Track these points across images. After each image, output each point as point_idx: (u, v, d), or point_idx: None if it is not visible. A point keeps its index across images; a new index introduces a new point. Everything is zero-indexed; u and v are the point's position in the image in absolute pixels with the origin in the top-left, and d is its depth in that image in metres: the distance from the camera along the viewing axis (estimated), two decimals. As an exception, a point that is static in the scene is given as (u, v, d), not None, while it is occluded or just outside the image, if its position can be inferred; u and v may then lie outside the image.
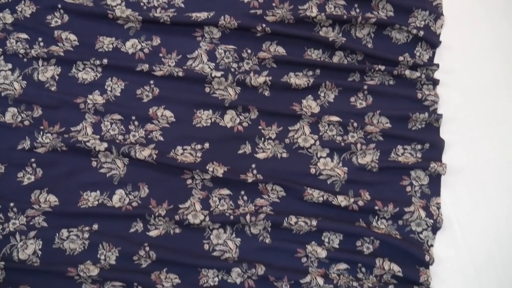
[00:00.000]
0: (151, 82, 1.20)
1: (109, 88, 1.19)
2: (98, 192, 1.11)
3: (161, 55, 1.23)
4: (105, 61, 1.19)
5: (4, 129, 1.14)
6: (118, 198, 1.10)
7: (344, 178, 1.12)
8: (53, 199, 1.09)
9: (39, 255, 1.04)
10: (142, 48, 1.23)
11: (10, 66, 1.19)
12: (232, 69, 1.22)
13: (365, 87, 1.19)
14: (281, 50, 1.23)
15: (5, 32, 1.23)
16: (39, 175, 1.11)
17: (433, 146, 1.15)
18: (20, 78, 1.18)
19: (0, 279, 1.01)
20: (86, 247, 1.06)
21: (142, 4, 1.27)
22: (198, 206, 1.10)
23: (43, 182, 1.11)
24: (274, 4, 1.27)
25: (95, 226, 1.08)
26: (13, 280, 1.02)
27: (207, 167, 1.10)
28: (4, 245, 1.05)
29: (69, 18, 1.25)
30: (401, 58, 1.20)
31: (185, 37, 1.24)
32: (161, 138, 1.15)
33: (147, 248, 1.05)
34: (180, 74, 1.18)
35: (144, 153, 1.10)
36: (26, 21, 1.24)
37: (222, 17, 1.21)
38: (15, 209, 1.07)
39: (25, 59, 1.20)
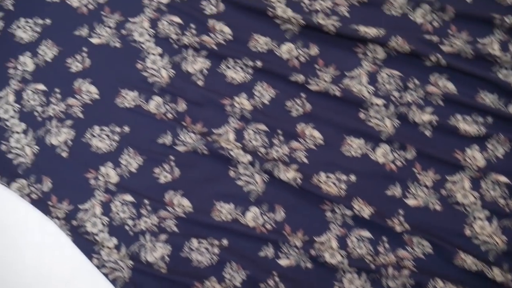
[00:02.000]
0: (303, 95, 1.10)
1: (257, 93, 1.11)
2: (232, 205, 1.04)
3: (317, 66, 1.12)
4: (258, 63, 1.11)
5: (149, 119, 1.09)
6: (252, 216, 1.03)
7: (503, 249, 1.00)
8: (186, 203, 1.04)
9: (167, 262, 1.00)
10: (298, 55, 1.13)
11: (159, 50, 1.13)
12: (393, 98, 1.10)
13: (544, 147, 1.05)
14: (450, 87, 1.09)
15: (159, 13, 1.16)
16: (176, 175, 1.05)
17: None
18: (169, 65, 1.12)
19: (126, 278, 0.98)
20: (214, 263, 1.00)
21: (303, 5, 1.16)
22: (334, 243, 1.01)
23: (179, 183, 1.05)
24: (450, 32, 1.13)
25: (225, 241, 1.02)
26: (138, 282, 0.98)
27: (352, 203, 1.01)
28: (133, 241, 1.01)
29: (225, 8, 1.17)
30: None
31: (346, 51, 1.13)
32: (305, 160, 1.06)
33: (277, 279, 0.98)
34: (337, 93, 1.08)
35: (289, 175, 1.02)
36: (181, 4, 1.17)
37: (394, 38, 1.09)
38: (148, 208, 1.02)
39: (175, 45, 1.14)
